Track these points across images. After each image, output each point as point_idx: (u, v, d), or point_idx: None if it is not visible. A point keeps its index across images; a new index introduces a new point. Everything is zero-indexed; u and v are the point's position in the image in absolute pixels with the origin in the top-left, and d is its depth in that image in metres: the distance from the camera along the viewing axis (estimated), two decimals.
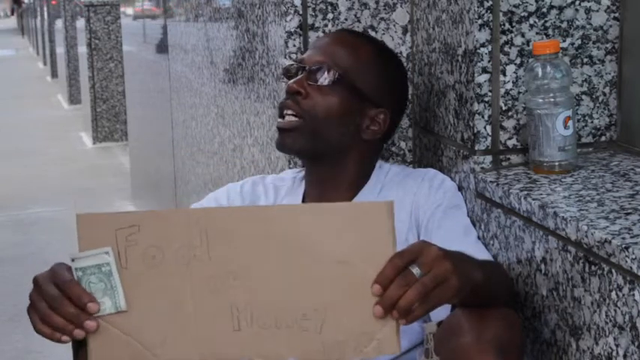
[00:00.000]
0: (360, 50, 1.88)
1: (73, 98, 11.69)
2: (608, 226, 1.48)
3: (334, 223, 1.37)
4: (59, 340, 1.43)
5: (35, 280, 1.45)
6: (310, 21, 2.17)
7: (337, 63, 1.84)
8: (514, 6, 1.86)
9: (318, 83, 1.83)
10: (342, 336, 1.36)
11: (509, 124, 1.89)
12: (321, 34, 2.15)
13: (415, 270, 1.33)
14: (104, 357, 1.43)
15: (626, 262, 1.39)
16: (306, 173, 1.94)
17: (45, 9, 15.59)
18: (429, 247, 1.37)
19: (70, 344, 1.58)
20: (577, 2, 1.88)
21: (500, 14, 1.85)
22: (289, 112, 1.84)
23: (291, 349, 1.38)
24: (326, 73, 1.83)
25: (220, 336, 1.39)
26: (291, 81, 1.85)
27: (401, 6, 2.21)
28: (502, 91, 1.87)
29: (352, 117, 1.86)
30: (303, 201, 1.92)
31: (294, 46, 2.16)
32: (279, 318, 1.38)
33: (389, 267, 1.33)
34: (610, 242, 1.43)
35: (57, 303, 1.41)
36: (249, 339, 1.38)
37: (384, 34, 2.21)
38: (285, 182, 1.98)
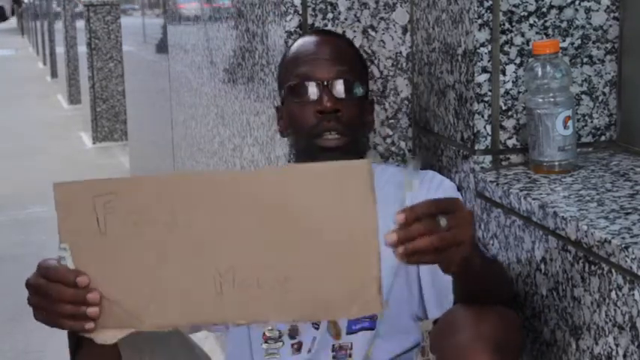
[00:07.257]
0: (350, 52, 1.93)
1: (73, 98, 11.67)
2: (607, 226, 1.48)
3: (314, 183, 1.35)
4: (83, 329, 1.41)
5: (27, 284, 1.44)
6: (310, 21, 2.17)
7: (347, 71, 1.86)
8: (514, 6, 1.86)
9: (347, 97, 1.84)
10: (327, 296, 1.35)
11: (509, 123, 1.89)
12: None
13: (442, 221, 1.33)
14: None
15: (626, 261, 1.39)
16: None
17: (45, 8, 15.57)
18: (463, 208, 1.38)
19: (68, 344, 1.58)
20: (577, 2, 1.88)
21: (500, 14, 1.85)
22: (334, 132, 1.83)
23: (275, 312, 1.37)
24: (349, 84, 1.85)
25: (203, 300, 1.38)
26: (325, 99, 1.82)
27: (401, 6, 2.21)
28: (502, 90, 1.87)
29: (367, 117, 1.92)
30: None
31: None
32: (261, 280, 1.36)
33: (423, 206, 1.33)
34: (610, 242, 1.43)
35: (55, 293, 1.40)
36: (232, 302, 1.37)
37: (383, 33, 2.21)
38: None
